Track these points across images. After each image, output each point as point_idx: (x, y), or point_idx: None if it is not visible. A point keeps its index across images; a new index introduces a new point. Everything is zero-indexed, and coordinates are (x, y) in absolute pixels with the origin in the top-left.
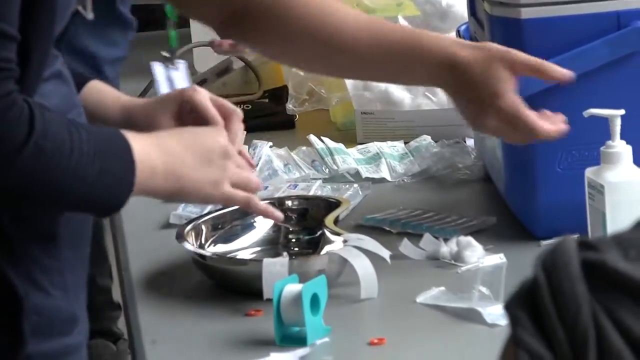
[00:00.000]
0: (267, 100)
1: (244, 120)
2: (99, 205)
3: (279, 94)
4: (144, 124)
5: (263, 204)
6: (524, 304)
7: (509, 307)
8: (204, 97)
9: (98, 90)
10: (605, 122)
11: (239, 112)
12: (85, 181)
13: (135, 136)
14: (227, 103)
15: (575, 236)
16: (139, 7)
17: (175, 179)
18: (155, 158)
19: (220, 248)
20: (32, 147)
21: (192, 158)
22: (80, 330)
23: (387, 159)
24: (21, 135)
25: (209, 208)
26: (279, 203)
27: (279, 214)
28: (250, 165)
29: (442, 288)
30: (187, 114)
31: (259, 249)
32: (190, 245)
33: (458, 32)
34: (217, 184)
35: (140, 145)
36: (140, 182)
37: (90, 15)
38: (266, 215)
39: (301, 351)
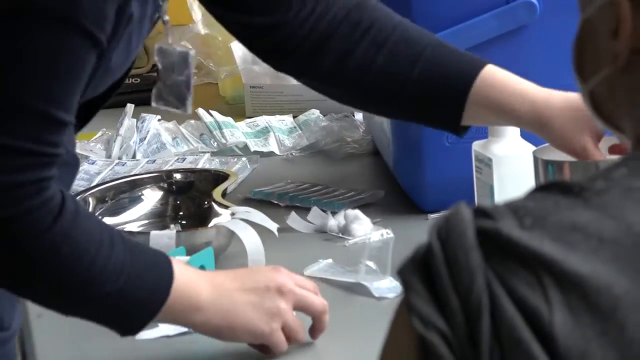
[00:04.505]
0: (155, 74)
1: (133, 93)
2: (107, 322)
3: None
4: (557, 135)
5: None
6: (418, 270)
7: (403, 273)
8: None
9: (501, 81)
10: None
11: None
12: (95, 294)
13: (186, 271)
14: None
15: (470, 204)
16: None
17: (223, 316)
18: (202, 293)
19: (108, 221)
20: (47, 244)
21: (243, 296)
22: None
23: (276, 133)
24: (39, 227)
25: (96, 180)
26: (166, 176)
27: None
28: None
29: (330, 261)
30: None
31: (146, 221)
32: None
33: None
34: (269, 322)
35: (190, 280)
36: (179, 315)
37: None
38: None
39: None
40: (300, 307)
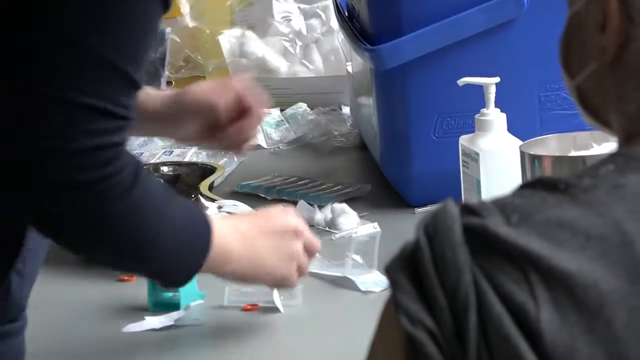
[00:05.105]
0: None
1: None
2: (153, 276)
3: None
4: (194, 108)
5: None
6: (405, 268)
7: (390, 271)
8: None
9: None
10: (480, 90)
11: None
12: (151, 255)
13: (219, 226)
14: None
15: (457, 201)
16: None
17: (250, 266)
18: (231, 244)
19: None
20: (124, 207)
21: (266, 242)
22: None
23: (263, 126)
24: (125, 185)
25: None
26: (154, 169)
27: None
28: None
29: (316, 254)
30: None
31: None
32: None
33: (335, 1)
34: (288, 265)
35: (223, 234)
36: (213, 266)
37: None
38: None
39: (176, 314)
40: (307, 248)
